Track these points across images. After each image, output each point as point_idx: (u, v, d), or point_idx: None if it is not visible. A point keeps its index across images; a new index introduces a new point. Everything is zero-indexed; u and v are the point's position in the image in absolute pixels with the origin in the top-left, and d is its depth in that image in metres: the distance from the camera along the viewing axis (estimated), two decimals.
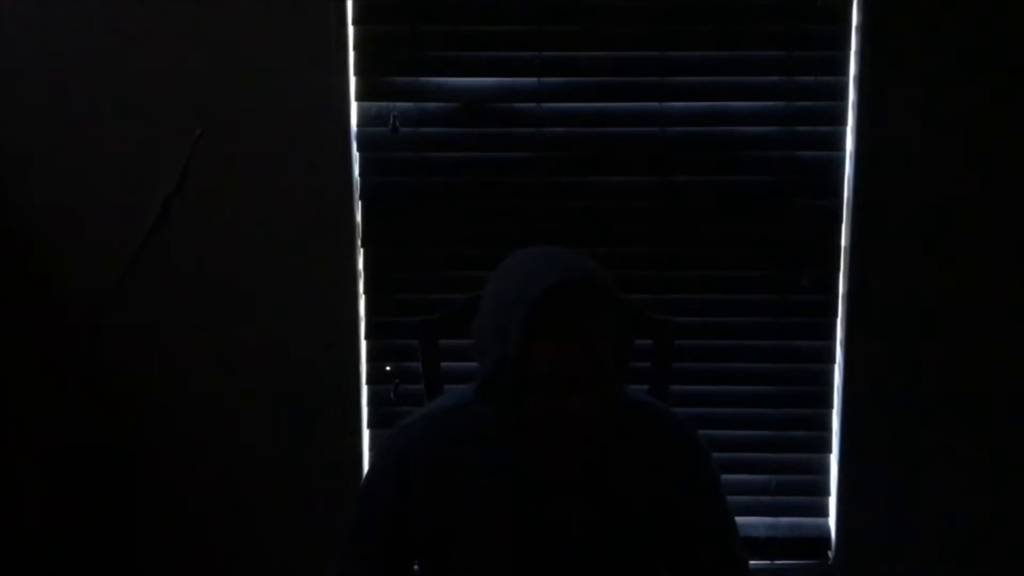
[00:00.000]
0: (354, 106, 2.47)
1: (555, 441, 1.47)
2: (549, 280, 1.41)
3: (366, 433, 2.60)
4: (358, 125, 2.48)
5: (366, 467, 2.61)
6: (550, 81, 2.47)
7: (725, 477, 1.71)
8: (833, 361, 2.57)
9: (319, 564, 1.70)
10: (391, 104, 2.48)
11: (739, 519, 1.72)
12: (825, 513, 2.64)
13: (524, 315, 1.41)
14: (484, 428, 1.56)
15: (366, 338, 2.57)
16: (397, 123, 2.47)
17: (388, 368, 2.58)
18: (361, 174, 2.51)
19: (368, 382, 2.59)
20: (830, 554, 2.62)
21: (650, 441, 1.61)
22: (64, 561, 2.63)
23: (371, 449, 2.61)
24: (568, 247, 1.53)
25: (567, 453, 1.49)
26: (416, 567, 1.69)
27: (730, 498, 1.71)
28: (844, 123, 2.47)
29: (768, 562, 2.60)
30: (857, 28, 2.42)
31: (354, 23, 2.44)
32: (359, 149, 2.49)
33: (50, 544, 2.62)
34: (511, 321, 1.43)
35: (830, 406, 2.58)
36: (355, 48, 2.45)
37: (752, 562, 1.71)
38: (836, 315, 2.54)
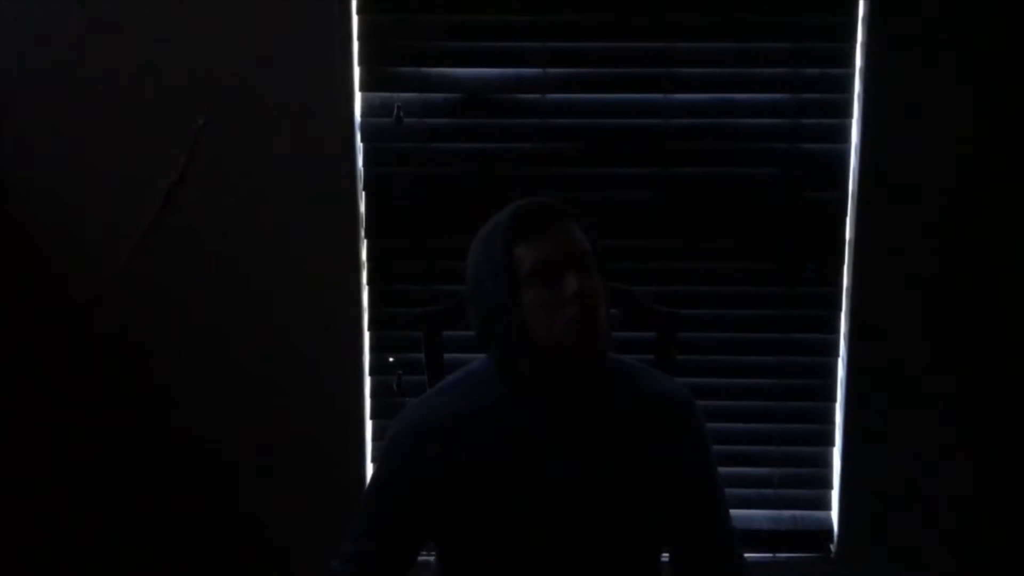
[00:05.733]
0: (358, 96, 2.47)
1: (562, 321, 1.50)
2: (513, 207, 1.58)
3: (368, 423, 2.60)
4: (362, 115, 2.48)
5: (368, 457, 2.61)
6: (555, 72, 2.46)
7: (727, 470, 1.72)
8: (836, 355, 2.57)
9: (320, 552, 1.70)
10: (395, 94, 2.47)
11: (742, 512, 1.73)
12: (827, 506, 2.64)
13: (501, 234, 1.55)
14: (496, 395, 1.59)
15: (369, 328, 2.57)
16: (401, 113, 2.47)
17: (391, 359, 2.58)
18: (365, 164, 2.50)
19: (371, 373, 2.59)
20: (832, 547, 2.62)
21: (651, 405, 1.64)
22: (68, 550, 2.64)
23: (374, 439, 2.61)
24: None
25: (580, 328, 1.50)
26: (431, 554, 1.69)
27: (733, 491, 1.72)
28: (849, 115, 2.46)
29: (770, 555, 2.60)
30: (863, 20, 2.41)
31: (359, 12, 2.43)
32: (363, 139, 2.49)
33: (54, 533, 2.63)
34: (493, 250, 1.55)
35: (833, 399, 2.58)
36: (359, 38, 2.44)
37: (754, 555, 1.72)
38: (840, 308, 2.54)
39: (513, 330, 1.52)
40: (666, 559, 1.71)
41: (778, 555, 2.61)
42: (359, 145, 2.48)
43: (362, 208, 2.51)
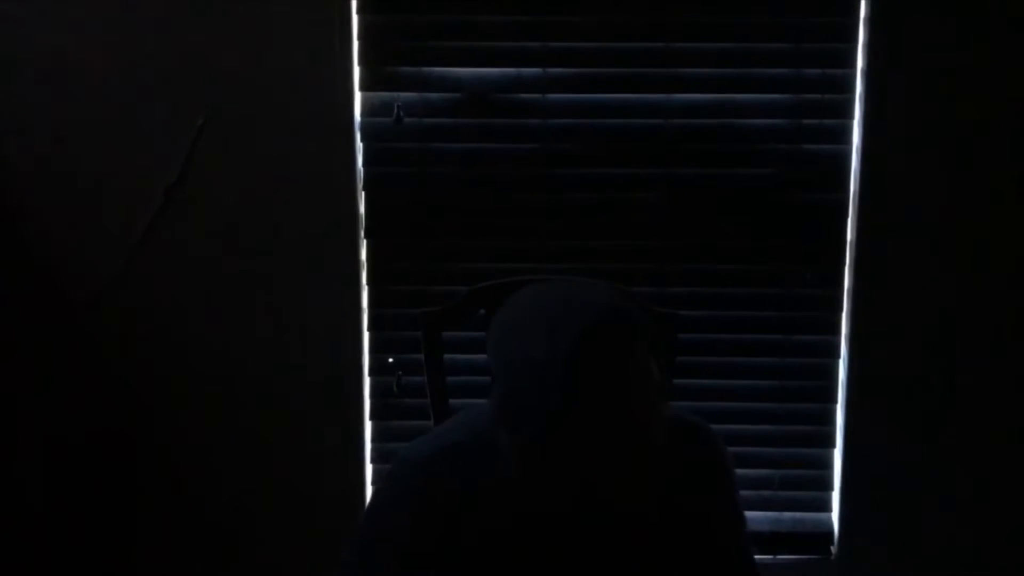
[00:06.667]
0: (358, 96, 2.46)
1: (624, 485, 1.35)
2: (576, 330, 1.29)
3: (368, 424, 2.60)
4: (362, 115, 2.47)
5: (367, 457, 2.61)
6: (555, 72, 2.45)
7: None
8: (837, 356, 2.56)
9: (319, 553, 1.69)
10: (395, 94, 2.46)
11: None
12: (828, 508, 2.63)
13: (562, 378, 1.28)
14: (507, 466, 1.42)
15: (368, 329, 2.56)
16: (401, 113, 2.46)
17: (391, 360, 2.57)
18: (364, 164, 2.50)
19: (370, 373, 2.58)
20: (833, 549, 2.62)
21: (678, 451, 1.51)
22: (67, 550, 2.63)
23: (373, 440, 2.60)
24: (569, 282, 1.43)
25: (640, 493, 1.37)
26: None
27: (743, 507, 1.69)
28: (851, 116, 2.45)
29: (771, 556, 2.59)
30: (865, 21, 2.40)
31: (358, 12, 2.43)
32: (363, 139, 2.48)
33: (53, 533, 2.62)
34: (547, 387, 1.29)
35: (834, 401, 2.57)
36: (359, 37, 2.44)
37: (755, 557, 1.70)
38: (841, 310, 2.53)
39: (553, 476, 1.36)
40: None
41: (778, 557, 2.61)
42: (359, 145, 2.48)
43: (361, 208, 2.51)
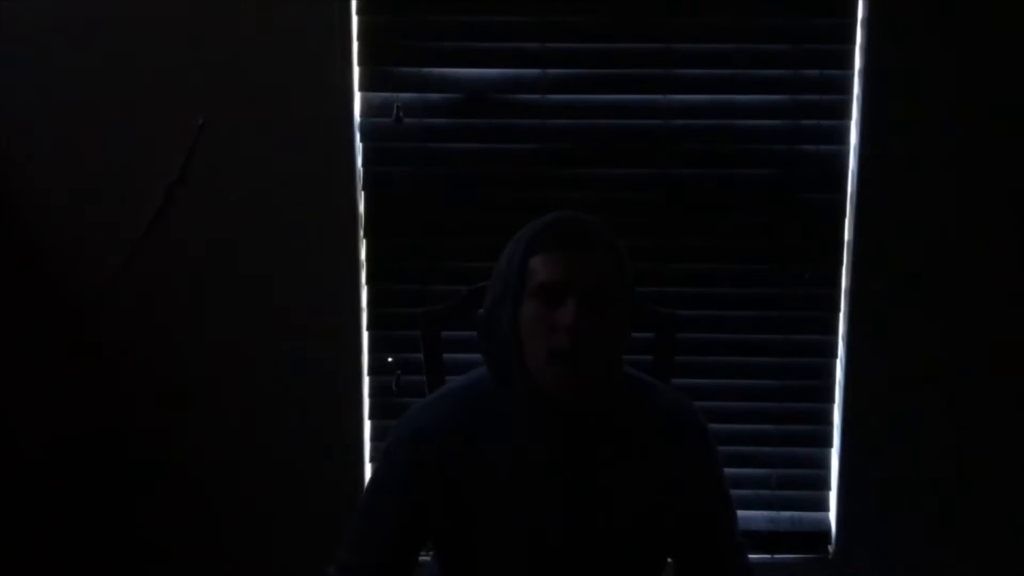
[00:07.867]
0: (358, 96, 2.47)
1: (552, 355, 1.46)
2: (549, 217, 1.53)
3: (367, 424, 2.60)
4: (362, 115, 2.48)
5: (367, 456, 2.61)
6: (554, 72, 2.46)
7: (726, 471, 1.71)
8: (835, 356, 2.57)
9: (318, 553, 1.69)
10: (395, 94, 2.47)
11: (740, 513, 1.73)
12: (825, 507, 2.64)
13: (525, 242, 1.51)
14: (497, 409, 1.56)
15: (368, 328, 2.57)
16: (401, 113, 2.47)
17: (390, 359, 2.58)
18: (364, 164, 2.50)
19: (370, 373, 2.59)
20: (830, 548, 2.63)
21: (658, 423, 1.61)
22: (68, 550, 2.64)
23: (372, 439, 2.61)
24: None
25: (565, 367, 1.46)
26: (430, 554, 1.68)
27: (731, 492, 1.71)
28: (848, 117, 2.46)
29: (768, 556, 2.60)
30: (862, 22, 2.41)
31: (358, 13, 2.43)
32: (363, 139, 2.49)
33: (54, 533, 2.63)
34: (514, 255, 1.52)
35: (831, 400, 2.58)
36: (359, 38, 2.45)
37: (752, 556, 1.71)
38: (838, 309, 2.54)
39: (507, 342, 1.50)
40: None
41: (776, 556, 2.61)
42: (359, 145, 2.49)
43: (361, 208, 2.51)
